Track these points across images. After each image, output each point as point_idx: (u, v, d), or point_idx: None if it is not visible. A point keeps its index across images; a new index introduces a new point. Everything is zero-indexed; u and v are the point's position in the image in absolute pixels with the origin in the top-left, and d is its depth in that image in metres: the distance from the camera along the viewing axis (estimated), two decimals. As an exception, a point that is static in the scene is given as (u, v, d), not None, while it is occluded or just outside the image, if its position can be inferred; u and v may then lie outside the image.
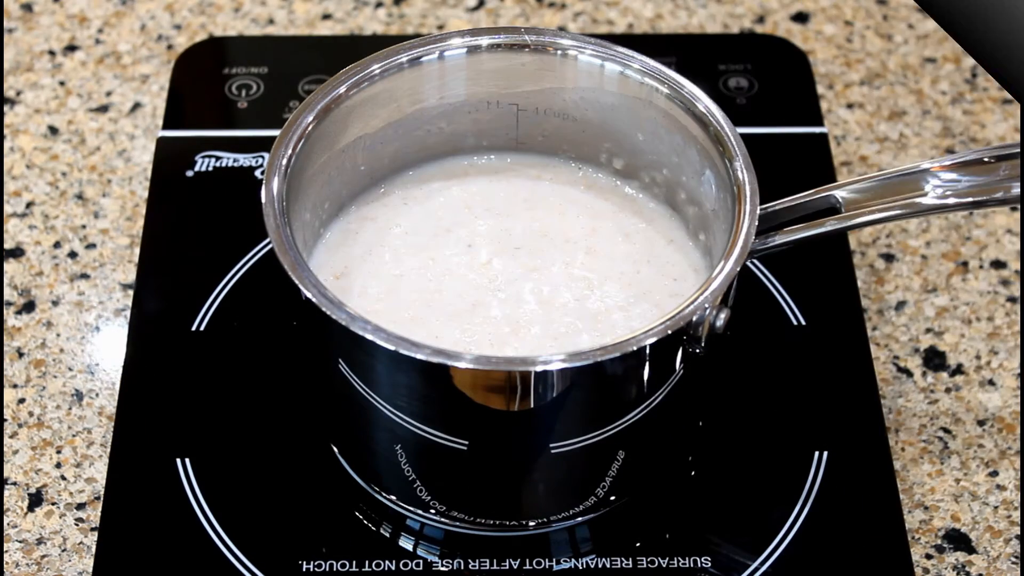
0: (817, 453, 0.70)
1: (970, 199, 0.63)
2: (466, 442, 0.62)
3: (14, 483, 0.70)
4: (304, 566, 0.66)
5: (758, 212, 0.62)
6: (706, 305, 0.59)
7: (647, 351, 0.58)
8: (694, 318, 0.59)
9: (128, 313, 0.77)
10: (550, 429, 0.62)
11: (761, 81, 0.87)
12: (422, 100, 0.70)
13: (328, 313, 0.58)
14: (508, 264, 0.69)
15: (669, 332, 0.58)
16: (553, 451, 0.63)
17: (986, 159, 0.63)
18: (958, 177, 0.62)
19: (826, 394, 0.73)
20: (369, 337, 0.58)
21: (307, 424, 0.72)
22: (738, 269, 0.60)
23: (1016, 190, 0.63)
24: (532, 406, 0.61)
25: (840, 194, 0.64)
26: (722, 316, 0.60)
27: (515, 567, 0.67)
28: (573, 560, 0.67)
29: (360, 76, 0.67)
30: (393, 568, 0.67)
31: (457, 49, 0.68)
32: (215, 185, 0.82)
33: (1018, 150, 0.63)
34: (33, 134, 0.86)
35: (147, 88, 0.89)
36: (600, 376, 0.60)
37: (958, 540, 0.69)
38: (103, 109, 0.88)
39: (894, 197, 0.63)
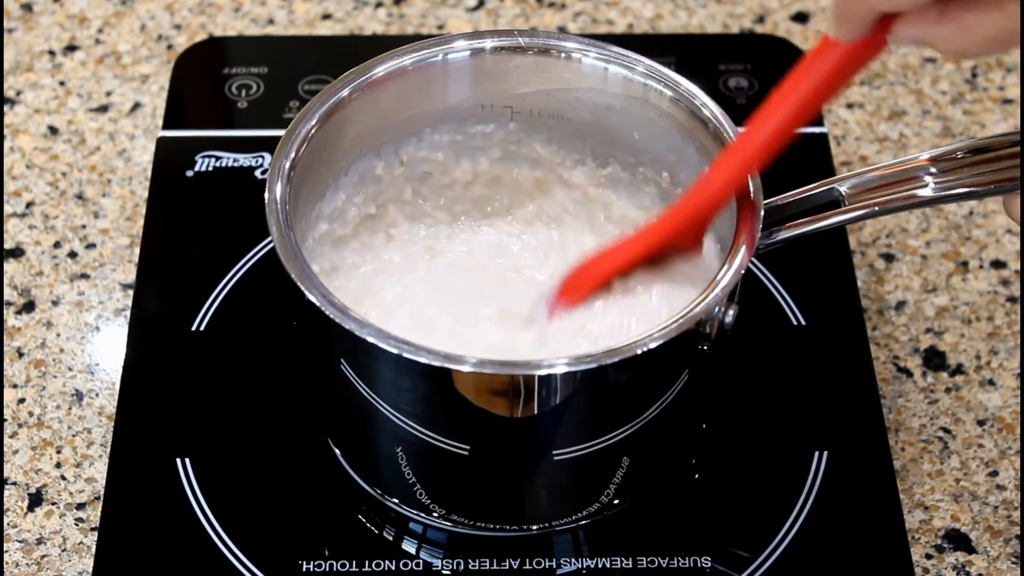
0: (817, 453, 0.70)
1: (971, 188, 0.63)
2: (467, 447, 0.62)
3: (14, 483, 0.70)
4: (304, 566, 0.66)
5: (762, 207, 0.62)
6: (716, 302, 0.59)
7: (657, 351, 0.58)
8: (704, 316, 0.59)
9: (128, 313, 0.77)
10: (553, 435, 0.62)
11: (761, 81, 0.87)
12: (416, 105, 0.69)
13: (334, 319, 0.58)
14: (508, 277, 0.68)
15: (680, 330, 0.58)
16: (556, 458, 0.63)
17: (986, 148, 0.63)
18: (959, 167, 0.62)
19: (826, 394, 0.73)
20: (375, 342, 0.57)
21: (307, 424, 0.72)
22: (746, 265, 0.60)
23: (1016, 176, 0.62)
24: (536, 411, 0.60)
25: (842, 187, 0.64)
26: (731, 312, 0.60)
27: (515, 567, 0.67)
28: (574, 560, 0.67)
29: (363, 79, 0.67)
30: (393, 568, 0.67)
31: (460, 52, 0.68)
32: (215, 185, 0.82)
33: (1017, 139, 0.63)
34: (33, 134, 0.86)
35: (147, 88, 0.89)
36: (606, 380, 0.60)
37: (958, 540, 0.69)
38: (103, 109, 0.88)
39: (896, 188, 0.63)
